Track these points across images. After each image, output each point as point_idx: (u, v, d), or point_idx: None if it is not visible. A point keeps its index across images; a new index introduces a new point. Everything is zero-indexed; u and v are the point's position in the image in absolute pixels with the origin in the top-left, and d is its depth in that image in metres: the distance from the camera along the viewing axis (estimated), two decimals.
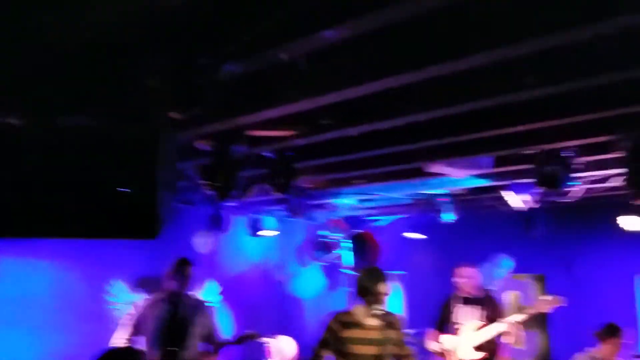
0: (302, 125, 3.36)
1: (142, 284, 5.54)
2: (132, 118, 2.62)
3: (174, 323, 4.22)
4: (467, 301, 4.85)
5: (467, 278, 4.81)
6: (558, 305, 4.65)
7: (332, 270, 7.37)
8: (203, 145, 3.62)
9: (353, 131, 3.27)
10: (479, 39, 2.17)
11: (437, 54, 2.29)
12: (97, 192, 2.46)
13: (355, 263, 6.52)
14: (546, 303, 4.67)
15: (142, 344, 4.14)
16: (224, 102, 2.85)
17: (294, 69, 2.55)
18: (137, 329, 4.23)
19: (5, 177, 2.49)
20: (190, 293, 4.42)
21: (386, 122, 3.10)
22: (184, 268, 4.32)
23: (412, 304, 6.06)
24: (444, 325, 4.89)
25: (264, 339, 4.89)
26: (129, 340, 4.20)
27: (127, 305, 5.39)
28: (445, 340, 4.81)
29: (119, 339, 4.23)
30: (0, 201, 2.49)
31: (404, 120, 3.05)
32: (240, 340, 4.57)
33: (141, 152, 2.56)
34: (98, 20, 2.10)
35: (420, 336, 4.96)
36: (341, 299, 7.22)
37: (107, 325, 5.30)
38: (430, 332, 4.97)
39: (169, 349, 4.14)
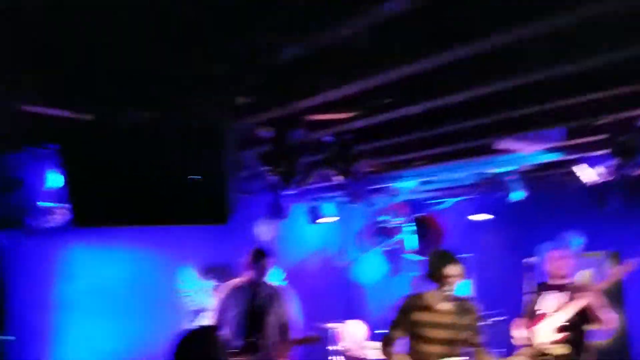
0: (361, 107, 3.32)
1: (210, 270, 5.67)
2: (197, 107, 2.66)
3: (252, 313, 4.32)
4: (555, 288, 4.34)
5: (557, 262, 4.33)
6: (632, 269, 4.31)
7: (393, 256, 7.30)
8: (263, 132, 3.64)
9: (415, 109, 3.20)
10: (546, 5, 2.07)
11: (503, 21, 2.21)
12: (169, 181, 2.52)
13: (419, 247, 6.42)
14: (621, 269, 4.33)
15: (226, 333, 4.23)
16: (284, 85, 2.85)
17: (353, 47, 2.52)
18: (220, 318, 4.33)
19: (81, 170, 2.59)
20: (268, 281, 4.50)
21: (449, 98, 3.01)
22: (262, 258, 4.42)
23: (481, 287, 5.91)
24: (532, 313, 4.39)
25: (332, 326, 4.91)
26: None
27: (196, 293, 5.55)
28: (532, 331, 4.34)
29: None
30: (78, 193, 2.60)
31: (468, 95, 2.96)
32: (304, 341, 4.64)
33: (208, 140, 2.60)
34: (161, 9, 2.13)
35: (500, 323, 4.61)
36: (404, 285, 7.14)
37: (180, 312, 5.48)
38: (517, 321, 4.50)
39: (249, 339, 4.25)
